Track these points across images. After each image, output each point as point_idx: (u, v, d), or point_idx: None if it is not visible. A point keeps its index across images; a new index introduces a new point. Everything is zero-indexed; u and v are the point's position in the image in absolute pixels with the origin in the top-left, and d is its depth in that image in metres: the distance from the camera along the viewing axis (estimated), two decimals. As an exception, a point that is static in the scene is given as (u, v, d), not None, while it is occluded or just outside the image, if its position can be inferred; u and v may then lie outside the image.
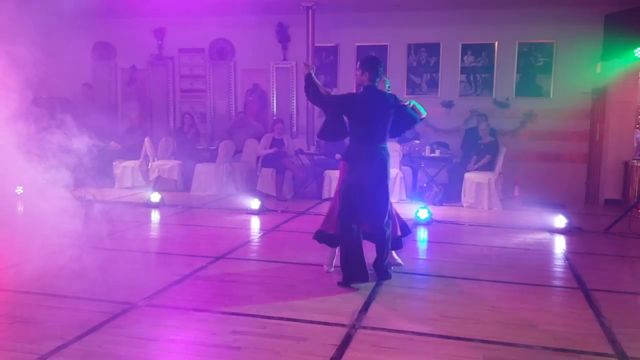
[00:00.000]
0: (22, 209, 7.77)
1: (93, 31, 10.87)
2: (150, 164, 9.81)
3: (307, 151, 9.65)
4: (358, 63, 4.81)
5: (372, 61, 4.75)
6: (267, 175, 9.17)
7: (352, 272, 4.62)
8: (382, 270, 4.78)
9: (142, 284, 4.52)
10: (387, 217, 4.80)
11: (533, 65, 9.75)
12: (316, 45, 9.73)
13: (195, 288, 4.52)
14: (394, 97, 4.90)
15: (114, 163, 9.86)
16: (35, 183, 7.48)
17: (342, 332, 3.64)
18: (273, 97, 10.86)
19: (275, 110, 10.84)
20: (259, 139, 9.80)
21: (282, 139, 9.48)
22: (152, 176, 9.71)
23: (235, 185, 9.48)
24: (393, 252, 5.12)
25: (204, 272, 4.96)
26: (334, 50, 10.51)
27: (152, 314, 3.91)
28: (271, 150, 9.28)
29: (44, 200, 7.46)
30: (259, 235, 6.65)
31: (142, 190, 9.21)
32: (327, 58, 10.50)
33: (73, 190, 8.25)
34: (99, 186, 8.75)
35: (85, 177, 8.22)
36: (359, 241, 4.68)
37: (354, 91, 5.54)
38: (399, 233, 5.11)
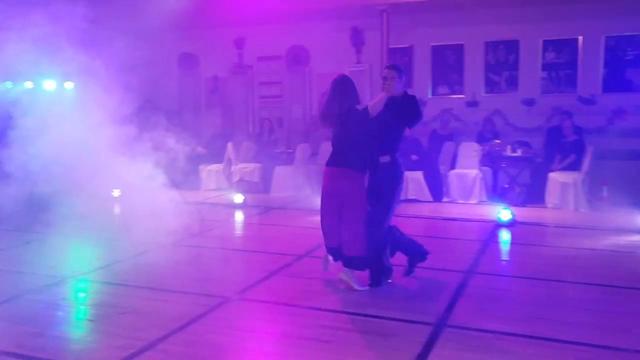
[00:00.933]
0: (119, 210, 8.33)
1: (179, 43, 11.46)
2: (232, 167, 10.23)
3: (383, 153, 9.69)
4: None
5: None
6: (344, 177, 9.30)
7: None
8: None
9: (234, 279, 4.78)
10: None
11: (622, 59, 9.33)
12: (390, 46, 9.79)
13: (282, 284, 4.72)
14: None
15: (199, 167, 10.34)
16: (133, 185, 8.04)
17: (428, 330, 3.69)
18: (348, 100, 10.98)
19: (351, 113, 10.97)
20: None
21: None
22: (235, 179, 10.12)
23: (311, 187, 9.69)
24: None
25: (290, 269, 5.16)
26: (408, 51, 10.53)
27: (245, 307, 4.14)
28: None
29: (141, 201, 7.99)
30: (339, 235, 6.78)
31: (226, 192, 9.61)
32: (401, 59, 10.52)
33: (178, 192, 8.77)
34: (187, 189, 9.25)
35: (176, 179, 8.73)
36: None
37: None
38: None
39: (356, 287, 4.50)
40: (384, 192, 4.49)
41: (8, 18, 6.24)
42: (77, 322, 3.98)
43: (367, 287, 4.54)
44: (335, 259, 4.71)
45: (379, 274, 4.61)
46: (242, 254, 5.89)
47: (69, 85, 8.49)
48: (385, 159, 4.50)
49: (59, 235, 6.11)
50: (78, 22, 6.12)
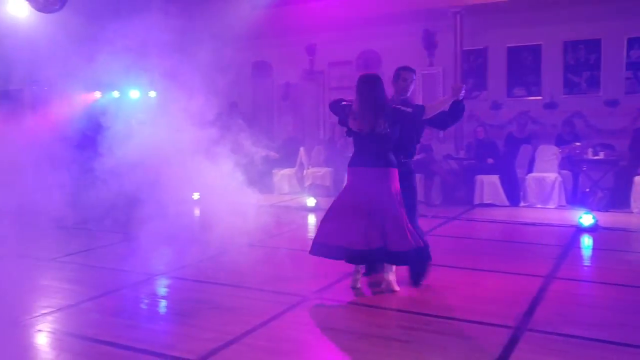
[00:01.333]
0: (199, 211, 8.70)
1: (253, 51, 11.83)
2: (304, 171, 10.43)
3: (456, 156, 9.59)
4: None
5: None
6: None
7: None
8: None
9: (311, 279, 4.90)
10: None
11: None
12: (464, 48, 9.68)
13: (359, 284, 4.79)
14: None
15: (273, 171, 10.62)
16: (213, 188, 8.38)
17: (508, 333, 3.66)
18: (420, 103, 10.94)
19: (422, 116, 10.92)
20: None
21: (430, 144, 9.54)
22: (307, 182, 10.31)
23: (384, 191, 9.72)
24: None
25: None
26: (482, 53, 10.35)
27: (323, 306, 4.25)
28: (419, 156, 9.37)
29: (219, 203, 8.30)
30: (412, 239, 6.79)
31: (298, 196, 9.81)
32: (475, 61, 10.38)
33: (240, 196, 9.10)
34: (261, 192, 9.51)
35: (252, 182, 9.02)
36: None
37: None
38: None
39: (396, 287, 4.52)
40: (407, 191, 4.52)
41: (98, 31, 6.73)
42: (167, 316, 4.23)
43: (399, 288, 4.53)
44: (365, 263, 4.63)
45: (419, 272, 4.62)
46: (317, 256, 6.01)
47: (152, 93, 8.98)
48: (407, 159, 4.63)
49: (146, 235, 6.45)
50: (163, 34, 6.49)
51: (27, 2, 6.98)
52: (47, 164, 5.66)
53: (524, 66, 10.07)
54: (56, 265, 5.69)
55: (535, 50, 9.86)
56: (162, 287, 4.96)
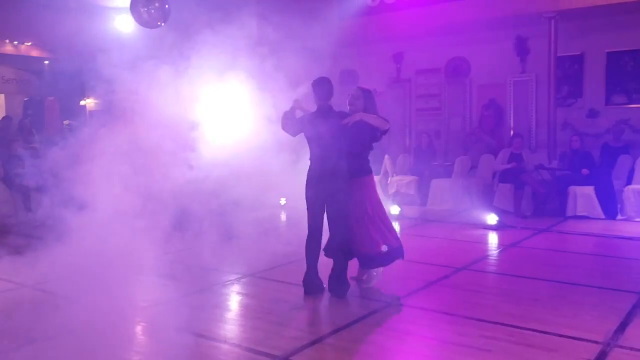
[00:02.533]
0: (284, 217, 9.01)
1: (340, 60, 12.05)
2: (389, 179, 10.48)
3: (549, 166, 9.26)
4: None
5: (317, 80, 4.79)
6: (504, 190, 9.07)
7: (305, 285, 4.73)
8: (333, 287, 4.69)
9: (393, 286, 4.97)
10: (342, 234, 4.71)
11: None
12: (558, 54, 9.35)
13: (440, 294, 4.81)
14: (345, 113, 4.78)
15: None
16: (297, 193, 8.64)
17: (596, 348, 3.55)
18: (510, 111, 10.68)
19: (512, 124, 10.65)
20: (493, 155, 9.77)
21: (521, 153, 9.28)
22: (391, 190, 10.35)
23: (470, 200, 9.57)
24: (373, 271, 4.94)
25: (448, 280, 5.22)
26: (578, 59, 9.94)
27: (405, 312, 4.33)
28: (509, 166, 9.15)
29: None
30: (497, 250, 6.68)
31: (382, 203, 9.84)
32: (570, 67, 9.98)
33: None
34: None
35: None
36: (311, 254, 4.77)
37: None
38: (375, 251, 4.74)
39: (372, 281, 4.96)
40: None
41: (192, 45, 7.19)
42: (255, 314, 4.44)
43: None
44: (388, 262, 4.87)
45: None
46: (400, 264, 6.04)
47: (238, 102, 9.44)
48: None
49: (236, 237, 6.79)
50: (250, 44, 6.84)
51: (132, 18, 7.54)
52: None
53: (624, 72, 9.55)
54: (157, 262, 6.11)
55: (638, 56, 9.33)
56: (252, 286, 5.22)
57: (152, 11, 7.15)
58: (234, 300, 4.83)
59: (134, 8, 7.21)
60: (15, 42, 11.65)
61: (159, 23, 7.37)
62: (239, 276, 5.42)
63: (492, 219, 7.82)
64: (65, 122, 12.90)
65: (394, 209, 8.75)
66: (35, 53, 12.16)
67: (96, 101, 14.33)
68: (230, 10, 6.87)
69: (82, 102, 14.02)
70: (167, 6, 7.34)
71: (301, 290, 4.80)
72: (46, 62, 12.77)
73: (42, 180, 8.61)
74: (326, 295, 4.73)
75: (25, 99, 13.83)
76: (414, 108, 12.01)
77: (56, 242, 5.86)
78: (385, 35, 11.15)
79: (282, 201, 9.65)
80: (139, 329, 4.15)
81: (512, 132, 10.33)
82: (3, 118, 11.86)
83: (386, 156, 10.70)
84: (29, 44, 11.87)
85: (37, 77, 13.15)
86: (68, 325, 3.96)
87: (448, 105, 11.50)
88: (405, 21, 10.94)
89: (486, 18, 9.55)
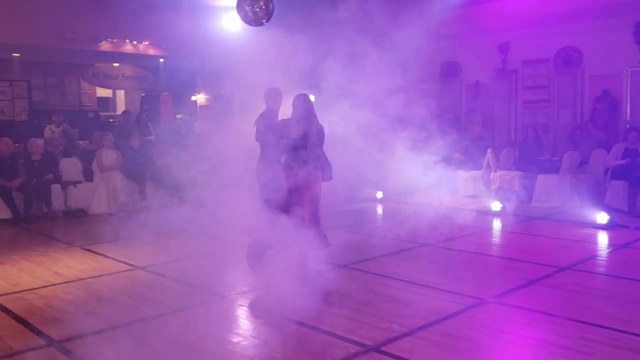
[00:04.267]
0: (382, 209, 9.05)
1: (442, 51, 11.83)
2: (492, 174, 10.15)
3: (669, 162, 8.52)
4: None
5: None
6: (617, 188, 8.48)
7: None
8: None
9: (490, 283, 4.87)
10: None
11: None
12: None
13: (541, 294, 4.64)
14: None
15: (457, 172, 10.53)
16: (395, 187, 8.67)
17: None
18: (626, 103, 9.93)
19: (628, 117, 9.90)
20: (606, 149, 9.15)
21: (637, 148, 8.62)
22: (494, 186, 10.02)
23: (579, 198, 9.04)
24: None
25: (549, 280, 5.01)
26: None
27: (501, 311, 4.22)
28: (623, 161, 8.54)
29: (403, 203, 8.54)
30: (607, 250, 6.29)
31: (484, 199, 9.60)
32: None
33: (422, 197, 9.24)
34: (445, 193, 9.54)
35: (436, 183, 9.11)
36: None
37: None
38: None
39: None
40: None
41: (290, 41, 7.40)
42: (349, 304, 4.50)
43: None
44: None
45: None
46: (499, 261, 5.92)
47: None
48: None
49: (335, 229, 6.90)
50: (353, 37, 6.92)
51: (238, 16, 7.88)
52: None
53: None
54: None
55: None
56: (346, 277, 5.30)
57: (257, 10, 7.42)
58: (328, 289, 4.93)
59: (240, 6, 7.52)
60: (135, 42, 12.58)
61: (263, 21, 7.64)
62: (334, 267, 5.53)
63: (602, 217, 7.35)
64: (178, 115, 13.76)
65: (495, 205, 8.49)
66: (151, 52, 13.05)
67: (206, 96, 15.17)
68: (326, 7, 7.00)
69: (193, 97, 14.87)
70: (271, 5, 7.58)
71: (393, 283, 4.85)
72: (161, 60, 13.67)
73: (156, 170, 9.36)
74: (419, 289, 4.73)
75: (142, 95, 14.90)
76: (520, 100, 11.51)
77: (166, 229, 6.34)
78: (490, 25, 10.78)
79: (379, 194, 9.69)
80: (240, 311, 4.40)
81: (627, 126, 9.60)
82: (123, 112, 12.91)
83: (489, 150, 10.37)
84: (147, 43, 12.76)
85: (153, 74, 14.12)
86: (173, 305, 4.29)
87: (557, 97, 10.90)
88: (512, 10, 10.51)
89: (601, 4, 8.96)
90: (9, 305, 4.34)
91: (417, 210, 8.88)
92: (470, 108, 12.26)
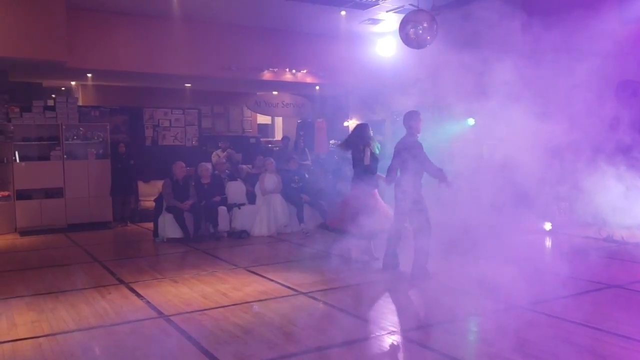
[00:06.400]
0: (550, 244, 8.22)
1: (619, 68, 10.68)
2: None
3: None
4: None
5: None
6: None
7: None
8: None
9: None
10: None
11: None
12: None
13: None
14: None
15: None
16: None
17: None
18: None
19: None
20: None
21: None
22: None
23: None
24: None
25: None
26: None
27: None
28: None
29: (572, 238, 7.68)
30: None
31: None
32: None
33: (600, 230, 8.26)
34: (627, 226, 8.43)
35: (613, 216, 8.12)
36: None
37: None
38: None
39: None
40: None
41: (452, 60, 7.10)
42: (526, 350, 3.96)
43: None
44: None
45: None
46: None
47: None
48: None
49: (502, 263, 6.33)
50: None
51: (400, 41, 7.76)
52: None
53: None
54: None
55: None
56: (522, 319, 4.74)
57: (420, 31, 7.26)
58: (502, 332, 4.46)
59: (402, 29, 7.42)
60: (294, 71, 13.11)
61: (426, 42, 7.45)
62: (508, 306, 5.00)
63: None
64: (332, 141, 14.01)
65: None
66: (309, 79, 13.51)
67: (358, 122, 15.31)
68: (497, 19, 6.62)
69: (345, 123, 15.08)
70: (435, 26, 7.38)
71: (578, 329, 4.25)
72: (317, 87, 14.09)
73: (314, 194, 9.53)
74: (610, 339, 4.08)
75: (299, 121, 15.45)
76: None
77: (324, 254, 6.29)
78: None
79: (547, 226, 8.88)
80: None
81: None
82: (282, 138, 13.45)
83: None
84: (304, 71, 13.24)
85: (310, 101, 14.60)
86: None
87: None
88: None
89: None
90: (183, 326, 4.51)
91: (591, 245, 7.95)
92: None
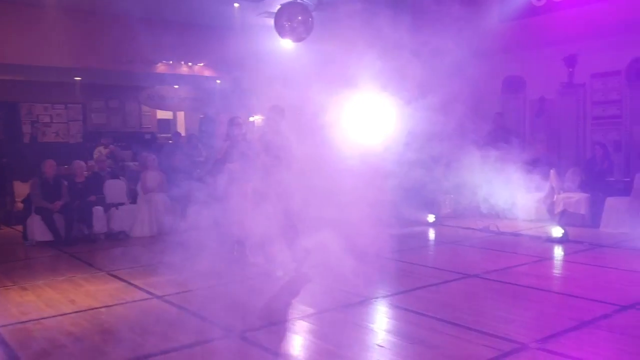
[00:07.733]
0: (432, 235, 8.47)
1: (504, 65, 11.18)
2: (555, 196, 9.31)
3: None
4: None
5: None
6: (702, 213, 7.49)
7: None
8: None
9: (536, 324, 4.26)
10: None
11: None
12: None
13: (595, 338, 3.98)
14: None
15: (517, 195, 9.75)
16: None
17: None
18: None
19: None
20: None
21: None
22: (557, 209, 9.18)
23: (655, 224, 8.08)
24: None
25: (608, 321, 4.33)
26: None
27: (542, 359, 3.61)
28: None
29: (454, 229, 7.94)
30: (687, 286, 5.45)
31: (546, 224, 8.80)
32: None
33: (477, 221, 8.62)
34: (502, 217, 8.86)
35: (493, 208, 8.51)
36: None
37: None
38: None
39: None
40: None
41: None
42: (367, 346, 4.02)
43: None
44: None
45: None
46: (552, 296, 5.23)
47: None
48: None
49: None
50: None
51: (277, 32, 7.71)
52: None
53: None
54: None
55: None
56: (372, 313, 4.83)
57: (295, 25, 7.21)
58: (348, 328, 4.49)
59: (277, 23, 7.35)
60: (190, 64, 12.74)
61: (302, 36, 7.42)
62: (360, 299, 5.05)
63: (681, 247, 6.47)
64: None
65: (555, 231, 7.72)
66: (207, 73, 13.19)
67: (262, 117, 15.13)
68: (381, 17, 6.66)
69: (251, 119, 14.86)
70: (310, 19, 7.35)
71: (422, 321, 4.34)
72: (218, 81, 13.79)
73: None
74: (450, 330, 4.18)
75: (201, 116, 15.08)
76: (589, 116, 10.61)
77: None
78: (555, 36, 10.09)
79: (431, 218, 9.14)
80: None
81: None
82: (173, 133, 13.04)
83: (552, 170, 9.53)
84: (201, 64, 12.90)
85: (210, 95, 14.26)
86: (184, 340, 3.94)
87: (630, 112, 9.95)
88: (579, 20, 9.79)
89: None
90: (7, 337, 4.17)
91: (468, 236, 8.27)
92: (534, 125, 11.44)
